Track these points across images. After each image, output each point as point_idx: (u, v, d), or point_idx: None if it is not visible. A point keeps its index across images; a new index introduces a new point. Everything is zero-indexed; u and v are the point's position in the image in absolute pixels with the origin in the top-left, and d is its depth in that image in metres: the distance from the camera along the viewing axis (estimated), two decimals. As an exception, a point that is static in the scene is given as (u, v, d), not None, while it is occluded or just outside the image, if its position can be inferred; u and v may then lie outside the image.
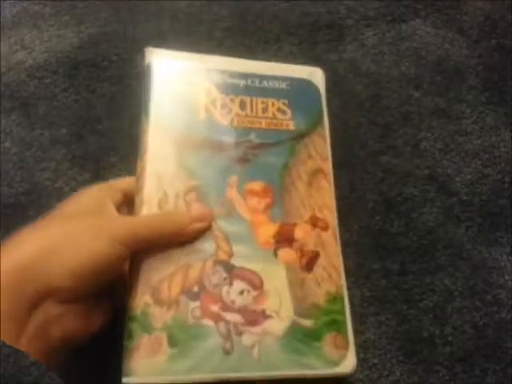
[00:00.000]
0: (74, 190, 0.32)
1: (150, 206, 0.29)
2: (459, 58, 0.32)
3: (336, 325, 0.29)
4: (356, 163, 0.34)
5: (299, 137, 0.34)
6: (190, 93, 0.32)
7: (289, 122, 0.34)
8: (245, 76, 0.34)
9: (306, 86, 0.36)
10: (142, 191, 0.30)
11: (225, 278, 0.29)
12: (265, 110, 0.34)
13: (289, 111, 0.35)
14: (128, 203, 0.30)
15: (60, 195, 0.32)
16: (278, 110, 0.35)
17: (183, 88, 0.32)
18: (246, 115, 0.34)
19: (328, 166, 0.34)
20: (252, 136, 0.33)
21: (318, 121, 0.35)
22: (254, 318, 0.28)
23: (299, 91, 0.36)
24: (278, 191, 0.32)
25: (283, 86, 0.36)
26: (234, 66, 0.35)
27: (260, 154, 0.32)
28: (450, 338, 0.30)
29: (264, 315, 0.28)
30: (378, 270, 0.33)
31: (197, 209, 0.29)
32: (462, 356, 0.30)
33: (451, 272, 0.31)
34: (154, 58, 0.34)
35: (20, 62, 0.33)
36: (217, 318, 0.27)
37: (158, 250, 0.27)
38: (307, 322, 0.29)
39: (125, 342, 0.25)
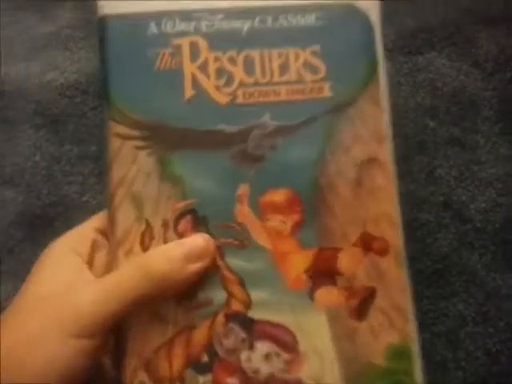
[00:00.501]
0: (99, 203, 0.38)
1: (128, 247, 0.25)
2: (474, 90, 0.38)
3: None
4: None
5: (340, 107, 0.26)
6: (166, 58, 0.25)
7: (323, 85, 0.27)
8: (249, 13, 0.26)
9: (349, 16, 0.28)
10: (115, 227, 0.26)
11: (243, 339, 0.25)
12: (284, 68, 0.26)
13: (322, 65, 0.27)
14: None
15: (86, 208, 0.38)
16: (305, 64, 0.27)
17: (155, 51, 0.25)
18: (256, 82, 0.26)
19: (386, 151, 0.26)
20: (266, 117, 0.27)
21: (370, 75, 0.27)
22: None
23: (338, 27, 0.27)
24: (310, 201, 0.25)
25: (311, 20, 0.28)
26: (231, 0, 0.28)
27: (280, 146, 0.26)
28: (462, 363, 0.36)
29: (299, 385, 0.26)
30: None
31: (191, 241, 0.24)
32: (474, 382, 0.36)
33: (465, 298, 0.37)
34: (109, 10, 0.27)
35: (52, 81, 0.40)
36: None
37: (147, 310, 0.24)
38: (360, 389, 0.26)
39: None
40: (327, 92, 0.26)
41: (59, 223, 0.39)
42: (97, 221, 0.27)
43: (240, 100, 0.25)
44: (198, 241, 0.24)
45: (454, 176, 0.38)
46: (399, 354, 0.25)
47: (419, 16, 0.39)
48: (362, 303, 0.25)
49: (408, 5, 0.36)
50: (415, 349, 0.25)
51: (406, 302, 0.25)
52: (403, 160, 0.37)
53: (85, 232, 0.26)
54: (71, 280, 0.24)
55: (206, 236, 0.25)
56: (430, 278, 0.37)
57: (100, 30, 0.26)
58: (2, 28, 0.42)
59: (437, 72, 0.39)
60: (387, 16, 0.30)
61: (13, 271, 0.37)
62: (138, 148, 0.25)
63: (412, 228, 0.37)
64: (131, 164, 0.25)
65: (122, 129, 0.25)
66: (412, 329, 0.25)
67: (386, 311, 0.25)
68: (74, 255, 0.25)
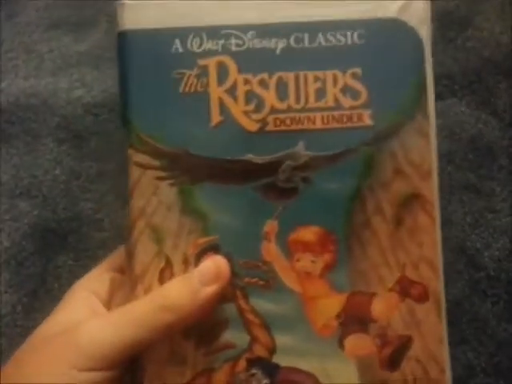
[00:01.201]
0: (113, 221, 0.38)
1: (147, 285, 0.24)
2: (492, 138, 0.38)
3: None
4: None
5: (382, 137, 0.24)
6: (191, 80, 0.23)
7: (363, 112, 0.25)
8: (284, 31, 0.23)
9: (396, 33, 0.25)
10: (134, 262, 0.24)
11: None
12: (321, 92, 0.24)
13: (363, 90, 0.24)
14: None
15: (100, 226, 0.38)
16: (345, 89, 0.24)
17: (180, 72, 0.23)
18: (289, 108, 0.24)
19: (431, 187, 0.24)
20: (300, 147, 0.24)
21: (417, 102, 0.24)
22: None
23: (383, 46, 0.24)
24: (344, 240, 0.23)
25: (353, 38, 0.25)
26: (264, 14, 0.25)
27: (313, 179, 0.24)
28: (471, 416, 0.35)
29: None
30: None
31: (205, 263, 0.23)
32: None
33: (475, 346, 0.36)
34: (130, 24, 0.25)
35: (79, 98, 0.40)
36: None
37: (165, 349, 0.23)
38: None
39: None
40: (368, 120, 0.23)
41: (72, 239, 0.38)
42: (115, 258, 0.26)
43: (271, 127, 0.23)
44: (212, 263, 0.23)
45: (469, 222, 0.38)
46: (434, 409, 0.23)
47: (441, 63, 0.39)
48: (396, 353, 0.23)
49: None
50: (451, 403, 0.23)
51: (443, 353, 0.23)
52: None
53: (102, 273, 0.25)
54: (83, 317, 0.23)
55: (219, 258, 0.23)
56: None
57: (119, 46, 0.24)
58: (34, 43, 0.41)
59: (456, 118, 0.39)
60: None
61: (20, 284, 0.37)
62: (159, 179, 0.23)
63: None
64: (151, 195, 0.23)
65: (142, 158, 0.23)
66: (448, 381, 0.23)
67: (421, 362, 0.23)
68: (91, 296, 0.24)
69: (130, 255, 0.23)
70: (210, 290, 0.22)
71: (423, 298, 0.23)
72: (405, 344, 0.23)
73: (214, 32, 0.23)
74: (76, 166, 0.39)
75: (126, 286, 0.24)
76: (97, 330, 0.22)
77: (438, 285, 0.23)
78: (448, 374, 0.23)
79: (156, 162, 0.23)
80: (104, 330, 0.22)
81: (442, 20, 0.40)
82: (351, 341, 0.23)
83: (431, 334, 0.23)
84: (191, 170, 0.23)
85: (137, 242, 0.23)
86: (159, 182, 0.23)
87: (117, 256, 0.26)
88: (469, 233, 0.38)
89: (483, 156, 0.39)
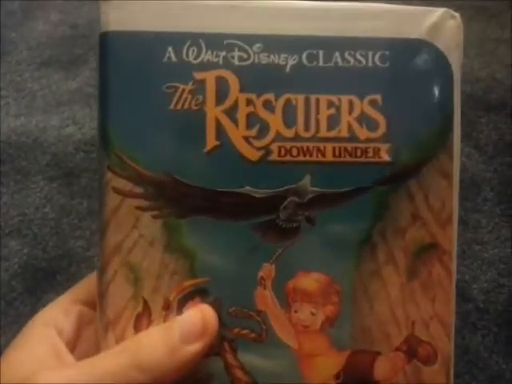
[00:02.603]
0: None
1: (120, 332, 0.20)
2: (475, 171, 0.40)
3: None
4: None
5: (399, 177, 0.21)
6: (184, 95, 0.20)
7: (380, 146, 0.22)
8: (296, 45, 0.20)
9: (424, 57, 0.22)
10: (106, 304, 0.21)
11: None
12: (334, 120, 0.21)
13: (382, 120, 0.21)
14: None
15: (90, 263, 0.38)
16: (361, 118, 0.21)
17: (171, 85, 0.20)
18: (296, 136, 0.21)
19: (451, 237, 0.21)
20: (306, 181, 0.22)
21: (442, 139, 0.21)
22: None
23: (408, 72, 0.22)
24: (350, 291, 0.21)
25: (375, 60, 0.22)
26: (274, 23, 0.22)
27: (319, 219, 0.21)
28: None
29: None
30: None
31: (188, 316, 0.20)
32: None
33: (468, 380, 0.36)
34: (115, 25, 0.21)
35: (70, 135, 0.41)
36: None
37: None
38: None
39: None
40: (385, 156, 0.21)
41: (61, 277, 0.38)
42: (82, 290, 0.22)
43: (274, 157, 0.20)
44: (197, 313, 0.20)
45: (457, 254, 0.38)
46: None
47: None
48: (398, 419, 0.21)
49: None
50: None
51: (450, 420, 0.21)
52: None
53: (68, 304, 0.22)
54: (42, 362, 0.20)
55: (207, 307, 0.20)
56: None
57: (101, 49, 0.20)
58: (25, 81, 0.41)
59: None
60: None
61: (10, 325, 0.36)
62: (141, 209, 0.20)
63: None
64: (131, 228, 0.20)
65: (122, 183, 0.20)
66: None
67: (425, 430, 0.21)
68: (51, 332, 0.21)
69: (102, 296, 0.20)
70: (193, 349, 0.19)
71: (431, 359, 0.21)
72: (408, 410, 0.21)
73: (214, 41, 0.20)
74: (66, 203, 0.39)
75: (95, 325, 0.21)
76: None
77: (448, 345, 0.21)
78: None
79: (138, 189, 0.20)
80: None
81: None
82: (350, 404, 0.21)
83: (438, 400, 0.21)
84: (179, 200, 0.20)
85: (110, 283, 0.20)
86: (141, 212, 0.20)
87: (85, 286, 0.23)
88: (457, 265, 0.38)
89: (468, 188, 0.39)
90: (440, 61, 0.21)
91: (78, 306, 0.23)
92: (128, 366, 0.19)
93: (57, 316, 0.22)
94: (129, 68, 0.20)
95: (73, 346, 0.22)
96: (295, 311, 0.21)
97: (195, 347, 0.19)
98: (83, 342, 0.22)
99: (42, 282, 0.39)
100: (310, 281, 0.21)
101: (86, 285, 0.23)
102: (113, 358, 0.19)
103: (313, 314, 0.21)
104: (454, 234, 0.21)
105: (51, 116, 0.41)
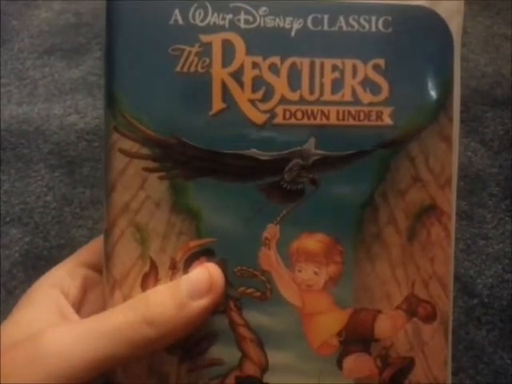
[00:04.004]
0: None
1: (127, 291, 0.21)
2: (481, 166, 0.40)
3: None
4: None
5: (401, 140, 0.22)
6: (191, 58, 0.20)
7: (383, 110, 0.22)
8: (301, 9, 0.20)
9: (426, 24, 0.22)
10: (113, 264, 0.21)
11: None
12: (338, 84, 0.21)
13: (385, 84, 0.22)
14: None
15: None
16: (365, 82, 0.21)
17: (178, 48, 0.20)
18: (301, 99, 0.21)
19: (449, 198, 0.22)
20: (310, 144, 0.22)
21: (442, 103, 0.22)
22: None
23: (411, 38, 0.22)
24: (352, 252, 0.21)
25: (378, 26, 0.22)
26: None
27: (322, 181, 0.21)
28: None
29: None
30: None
31: (195, 273, 0.20)
32: None
33: (472, 375, 0.37)
34: None
35: (72, 124, 0.41)
36: None
37: (144, 364, 0.20)
38: None
39: None
40: (387, 119, 0.21)
41: None
42: (88, 253, 0.22)
43: (279, 120, 0.21)
44: (204, 271, 0.21)
45: (462, 249, 0.39)
46: None
47: None
48: (397, 375, 0.22)
49: None
50: (451, 430, 0.22)
51: (446, 376, 0.22)
52: None
53: (73, 267, 0.22)
54: (48, 322, 0.20)
55: (213, 265, 0.21)
56: None
57: (108, 11, 0.20)
58: (27, 69, 0.41)
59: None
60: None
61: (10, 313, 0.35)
62: (148, 170, 0.20)
63: None
64: (138, 189, 0.21)
65: (128, 144, 0.20)
66: (449, 407, 0.22)
67: (422, 385, 0.22)
68: (57, 293, 0.21)
69: (108, 256, 0.21)
70: (200, 304, 0.20)
71: (431, 317, 0.22)
72: (407, 366, 0.22)
73: (221, 4, 0.20)
74: (68, 192, 0.39)
75: (101, 288, 0.22)
76: (64, 340, 0.19)
77: (447, 304, 0.22)
78: (449, 400, 0.22)
79: (145, 151, 0.21)
80: (72, 342, 0.19)
81: None
82: (351, 361, 0.22)
83: (435, 357, 0.22)
84: (185, 162, 0.21)
85: (117, 242, 0.21)
86: (148, 173, 0.21)
87: (90, 249, 0.23)
88: (462, 260, 0.39)
89: (473, 183, 0.40)
90: (441, 27, 0.21)
91: (84, 269, 0.23)
92: (137, 322, 0.19)
93: (62, 278, 0.22)
94: (135, 30, 0.20)
95: (78, 308, 0.22)
96: (299, 271, 0.21)
97: (202, 302, 0.20)
98: (89, 304, 0.23)
99: (43, 271, 0.38)
100: (313, 241, 0.21)
101: (91, 248, 0.23)
102: (121, 314, 0.19)
103: (316, 273, 0.21)
104: (452, 195, 0.22)
105: (53, 104, 0.41)
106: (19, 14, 0.43)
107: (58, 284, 0.22)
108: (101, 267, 0.22)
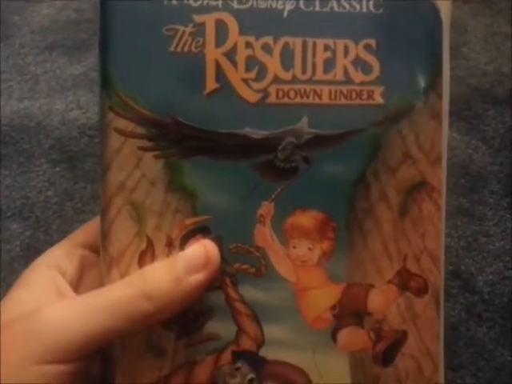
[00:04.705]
0: None
1: (124, 269, 0.21)
2: (482, 164, 0.41)
3: None
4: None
5: (392, 118, 0.22)
6: (185, 38, 0.20)
7: (374, 89, 0.22)
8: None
9: (417, 6, 0.23)
10: (110, 243, 0.21)
11: (251, 380, 0.22)
12: (330, 64, 0.21)
13: (377, 64, 0.22)
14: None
15: None
16: (356, 62, 0.22)
17: (172, 28, 0.20)
18: (294, 79, 0.21)
19: (440, 175, 0.23)
20: (303, 123, 0.22)
21: (432, 82, 0.22)
22: None
23: (401, 19, 0.22)
24: (345, 228, 0.22)
25: (369, 7, 0.22)
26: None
27: (316, 159, 0.21)
28: None
29: (311, 433, 0.24)
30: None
31: (192, 249, 0.21)
32: None
33: (473, 371, 0.37)
34: None
35: (74, 119, 0.41)
36: None
37: (142, 339, 0.21)
38: None
39: None
40: (378, 98, 0.21)
41: None
42: (85, 234, 0.23)
43: (272, 99, 0.21)
44: (200, 247, 0.21)
45: (463, 246, 0.39)
46: (425, 405, 0.22)
47: None
48: (390, 348, 0.22)
49: None
50: (442, 400, 0.23)
51: (438, 349, 0.23)
52: None
53: (69, 248, 0.22)
54: (46, 299, 0.21)
55: (209, 242, 0.21)
56: None
57: None
58: (29, 65, 0.41)
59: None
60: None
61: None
62: (143, 149, 0.21)
63: None
64: (133, 168, 0.21)
65: (124, 123, 0.21)
66: (441, 378, 0.23)
67: (415, 358, 0.22)
68: (54, 273, 0.22)
69: (105, 235, 0.21)
70: (196, 278, 0.20)
71: (423, 291, 0.22)
72: (400, 339, 0.22)
73: (213, -16, 0.21)
74: (70, 187, 0.39)
75: (98, 267, 0.22)
76: (62, 315, 0.20)
77: (438, 278, 0.22)
78: (441, 371, 0.23)
79: (140, 130, 0.21)
80: (70, 316, 0.20)
81: None
82: (345, 334, 0.22)
83: (428, 329, 0.22)
84: (180, 141, 0.21)
85: (114, 220, 0.21)
86: (143, 152, 0.21)
87: (87, 230, 0.24)
88: (463, 257, 0.39)
89: (474, 181, 0.40)
90: (430, 9, 0.22)
91: (80, 249, 0.23)
92: (135, 296, 0.19)
93: (59, 258, 0.23)
94: (129, 10, 0.21)
95: (76, 287, 0.23)
96: (293, 247, 0.22)
97: (199, 277, 0.20)
98: (86, 284, 0.23)
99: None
100: (307, 218, 0.22)
101: (88, 229, 0.24)
102: (119, 289, 0.20)
103: (310, 249, 0.22)
104: (442, 172, 0.22)
105: (55, 100, 0.41)
106: (21, 9, 0.43)
107: (55, 264, 0.23)
108: (98, 248, 0.22)
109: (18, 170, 0.39)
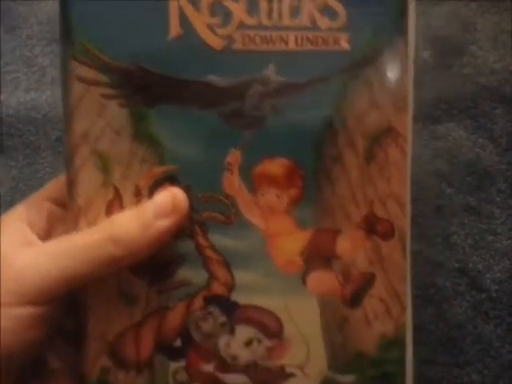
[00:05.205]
0: None
1: (92, 218, 0.21)
2: (489, 163, 0.39)
3: (388, 379, 0.24)
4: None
5: (358, 65, 0.22)
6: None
7: (340, 35, 0.22)
8: None
9: None
10: (77, 193, 0.21)
11: (222, 324, 0.23)
12: (296, 9, 0.21)
13: (342, 10, 0.22)
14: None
15: None
16: (322, 8, 0.21)
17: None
18: (260, 25, 0.21)
19: (406, 121, 0.23)
20: (270, 70, 0.22)
21: (397, 27, 0.22)
22: (268, 378, 0.23)
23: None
24: (312, 175, 0.22)
25: None
26: None
27: (282, 107, 0.22)
28: None
29: (282, 374, 0.23)
30: (405, 356, 0.42)
31: (160, 196, 0.21)
32: None
33: (480, 369, 0.37)
34: None
35: None
36: (212, 383, 0.24)
37: (113, 287, 0.21)
38: (346, 379, 0.24)
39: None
40: (345, 44, 0.21)
41: None
42: (52, 189, 0.22)
43: (238, 46, 0.21)
44: (168, 194, 0.21)
45: (470, 244, 0.39)
46: (392, 343, 0.23)
47: (439, 87, 0.40)
48: (358, 290, 0.23)
49: (427, 78, 0.39)
50: (408, 339, 0.24)
51: (405, 290, 0.24)
52: (420, 223, 0.39)
53: (38, 203, 0.22)
54: (13, 248, 0.21)
55: (176, 189, 0.21)
56: (445, 345, 0.38)
57: None
58: (36, 56, 0.39)
59: (454, 142, 0.40)
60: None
61: None
62: (106, 97, 0.20)
63: (428, 292, 0.39)
64: (97, 116, 0.21)
65: (86, 71, 0.20)
66: (408, 318, 0.24)
67: (383, 299, 0.23)
68: (23, 225, 0.21)
69: (71, 185, 0.21)
70: (164, 223, 0.20)
71: (389, 235, 0.23)
72: (368, 281, 0.23)
73: None
74: None
75: (67, 221, 0.22)
76: (31, 259, 0.20)
77: (404, 222, 0.23)
78: (409, 313, 0.24)
79: (103, 78, 0.20)
80: (39, 260, 0.20)
81: (438, 46, 0.41)
82: (314, 277, 0.23)
83: (394, 272, 0.23)
84: (145, 89, 0.21)
85: (80, 171, 0.21)
86: (107, 101, 0.21)
87: (56, 185, 0.23)
88: (470, 255, 0.39)
89: (481, 179, 0.39)
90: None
91: (49, 204, 0.23)
92: (102, 241, 0.20)
93: (28, 211, 0.23)
94: None
95: (43, 240, 0.23)
96: (262, 194, 0.22)
97: (166, 222, 0.20)
98: (54, 238, 0.23)
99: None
100: (274, 166, 0.22)
101: (57, 184, 0.23)
102: (87, 234, 0.20)
103: (278, 196, 0.22)
104: (408, 118, 0.22)
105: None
106: (28, 0, 0.42)
107: (23, 217, 0.22)
108: (66, 203, 0.22)
109: (24, 161, 0.38)
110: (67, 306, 0.21)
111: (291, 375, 0.23)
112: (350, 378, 0.23)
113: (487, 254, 0.40)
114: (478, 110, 0.43)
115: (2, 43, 0.39)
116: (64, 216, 0.23)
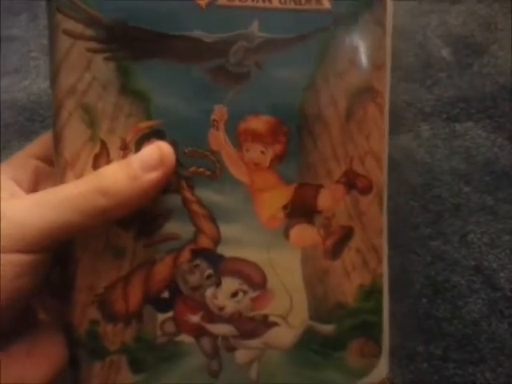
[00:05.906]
0: None
1: (79, 171, 0.21)
2: (507, 162, 0.40)
3: (366, 328, 0.26)
4: (407, 245, 0.40)
5: (339, 24, 0.23)
6: None
7: (322, -7, 0.23)
8: None
9: None
10: (63, 146, 0.21)
11: (209, 276, 0.24)
12: (278, -34, 0.23)
13: None
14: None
15: None
16: None
17: None
18: None
19: (384, 80, 0.24)
20: (254, 27, 0.22)
21: None
22: (252, 327, 0.24)
23: None
24: (296, 132, 0.23)
25: None
26: None
27: (266, 64, 0.22)
28: None
29: (266, 323, 0.24)
30: (421, 353, 0.39)
31: (147, 149, 0.21)
32: None
33: (493, 367, 0.38)
34: None
35: None
36: (198, 333, 0.24)
37: (101, 241, 0.22)
38: (327, 328, 0.25)
39: (72, 374, 0.22)
40: (326, 4, 0.22)
41: None
42: (40, 146, 0.22)
43: (223, 1, 0.21)
44: (155, 148, 0.21)
45: (486, 243, 0.40)
46: (369, 294, 0.25)
47: (458, 87, 0.41)
48: (338, 242, 0.24)
49: (447, 77, 0.40)
50: (385, 289, 0.25)
51: (382, 243, 0.25)
52: (437, 221, 0.39)
53: (24, 159, 0.22)
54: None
55: (163, 143, 0.22)
56: (459, 342, 0.39)
57: None
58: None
59: (472, 141, 0.40)
60: (427, 86, 0.38)
61: None
62: (93, 51, 0.20)
63: (444, 289, 0.39)
64: (83, 70, 0.21)
65: (72, 25, 0.20)
66: (384, 269, 0.25)
67: (361, 251, 0.24)
68: (9, 181, 0.21)
69: (57, 138, 0.21)
70: (152, 176, 0.21)
71: (367, 190, 0.24)
72: (347, 234, 0.24)
73: None
74: None
75: (53, 177, 0.22)
76: (17, 210, 0.20)
77: (381, 177, 0.24)
78: (385, 265, 0.25)
79: (90, 32, 0.20)
80: (26, 211, 0.20)
81: (458, 45, 0.42)
82: (296, 231, 0.23)
83: (372, 225, 0.24)
84: (131, 43, 0.21)
85: (66, 124, 0.21)
86: (93, 55, 0.21)
87: (42, 142, 0.23)
88: (486, 253, 0.39)
89: (499, 179, 0.40)
90: None
91: (35, 160, 0.23)
92: (89, 192, 0.20)
93: (14, 168, 0.23)
94: None
95: None
96: (247, 150, 0.23)
97: (154, 175, 0.21)
98: None
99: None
100: (259, 122, 0.23)
101: (43, 141, 0.23)
102: (74, 186, 0.20)
103: (263, 152, 0.23)
104: (386, 76, 0.23)
105: None
106: None
107: (10, 174, 0.22)
108: (52, 160, 0.22)
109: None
110: (54, 258, 0.21)
111: (274, 324, 0.24)
112: (330, 327, 0.24)
113: (502, 253, 0.40)
114: (497, 109, 0.44)
115: (26, 31, 0.40)
116: (50, 172, 0.23)
